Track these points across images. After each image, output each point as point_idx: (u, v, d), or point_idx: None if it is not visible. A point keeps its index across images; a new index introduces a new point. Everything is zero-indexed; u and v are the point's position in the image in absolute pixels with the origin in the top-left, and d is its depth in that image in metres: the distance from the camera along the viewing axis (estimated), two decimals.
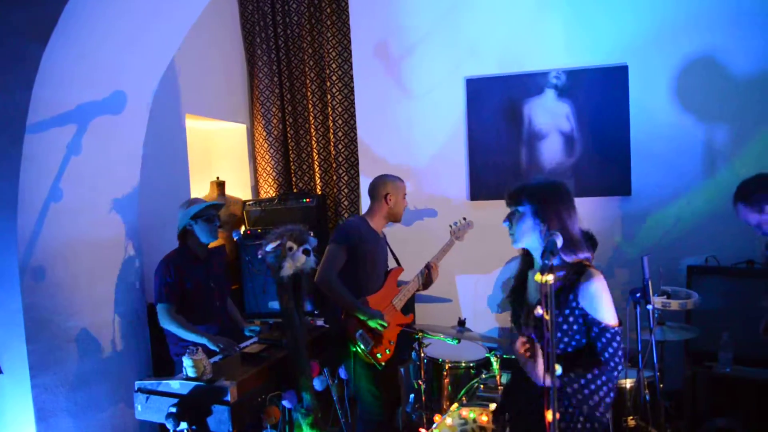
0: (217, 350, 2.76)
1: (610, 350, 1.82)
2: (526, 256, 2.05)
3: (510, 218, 1.96)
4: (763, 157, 3.77)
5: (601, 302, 1.84)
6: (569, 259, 1.89)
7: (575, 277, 1.86)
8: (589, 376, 1.81)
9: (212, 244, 3.13)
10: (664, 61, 3.92)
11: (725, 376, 3.35)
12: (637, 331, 2.49)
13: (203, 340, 2.81)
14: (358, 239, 3.05)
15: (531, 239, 1.94)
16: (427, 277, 3.26)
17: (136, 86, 3.04)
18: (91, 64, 2.72)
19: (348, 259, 3.03)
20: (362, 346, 2.95)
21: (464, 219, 3.57)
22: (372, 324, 2.95)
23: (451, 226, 3.51)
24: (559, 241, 1.80)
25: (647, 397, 2.61)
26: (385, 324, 2.96)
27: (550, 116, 4.14)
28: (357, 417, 3.19)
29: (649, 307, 2.49)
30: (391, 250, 3.37)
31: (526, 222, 1.92)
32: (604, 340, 1.83)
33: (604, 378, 1.82)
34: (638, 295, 2.45)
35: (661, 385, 2.72)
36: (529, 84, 4.17)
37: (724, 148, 3.87)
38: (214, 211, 3.04)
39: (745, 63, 3.79)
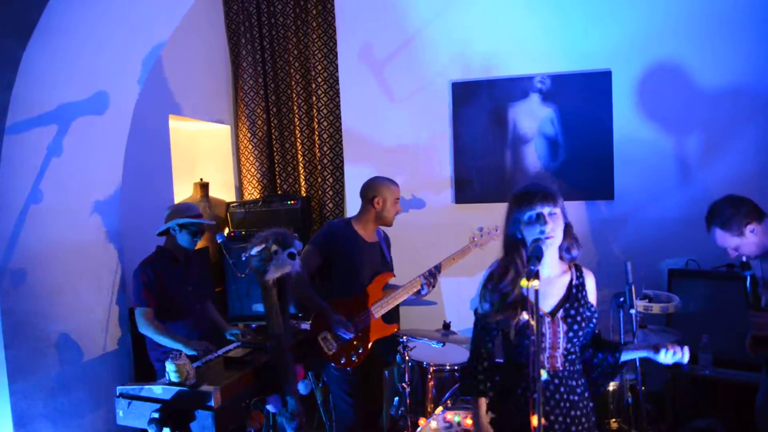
0: (195, 355, 2.74)
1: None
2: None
3: (548, 220, 1.88)
4: (740, 162, 3.84)
5: (595, 294, 2.03)
6: (575, 253, 1.98)
7: (579, 273, 2.01)
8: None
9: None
10: (647, 67, 3.98)
11: (705, 378, 3.42)
12: (621, 335, 2.52)
13: (179, 346, 2.80)
14: (333, 243, 2.99)
15: (560, 240, 1.94)
16: (430, 284, 3.05)
17: (119, 87, 3.00)
18: (73, 64, 2.68)
19: (323, 262, 2.99)
20: (324, 350, 2.86)
21: (496, 227, 3.16)
22: (334, 328, 2.86)
23: (474, 232, 3.22)
24: (556, 244, 1.92)
25: (629, 399, 2.64)
26: (348, 331, 2.84)
27: (534, 120, 4.18)
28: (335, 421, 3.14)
29: (632, 311, 2.53)
30: (385, 255, 3.20)
31: (560, 221, 1.92)
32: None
33: None
34: (621, 299, 2.49)
35: (643, 388, 2.76)
36: (514, 88, 4.19)
37: (704, 153, 3.93)
38: (202, 228, 3.07)
39: (725, 71, 3.85)
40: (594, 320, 2.00)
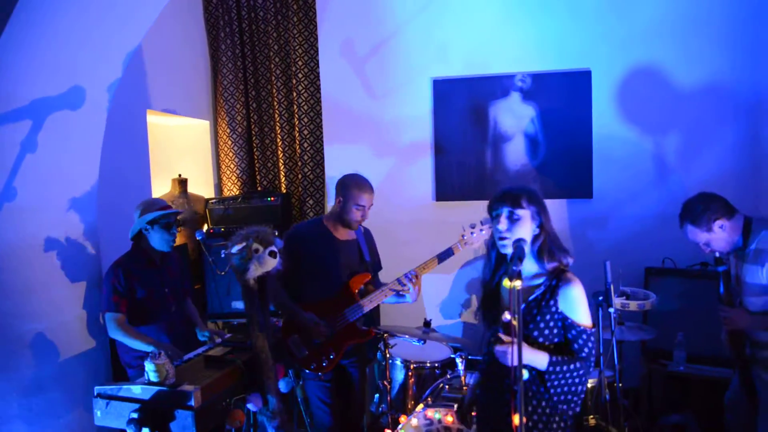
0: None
1: (586, 350, 1.91)
2: (499, 260, 2.04)
3: (502, 220, 1.90)
4: (718, 161, 3.91)
5: (579, 306, 1.92)
6: (550, 266, 1.94)
7: (555, 282, 1.93)
8: (573, 366, 1.88)
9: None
10: (626, 67, 4.03)
11: (679, 374, 3.49)
12: (599, 333, 2.56)
13: (150, 349, 2.74)
14: (299, 244, 2.87)
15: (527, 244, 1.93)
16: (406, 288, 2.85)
17: (95, 81, 2.94)
18: (48, 58, 2.61)
19: (291, 264, 2.83)
20: (295, 353, 2.77)
21: (481, 222, 2.98)
22: (308, 327, 2.77)
23: (466, 229, 3.00)
24: (528, 248, 1.91)
25: (607, 396, 2.68)
26: (320, 332, 2.76)
27: (515, 119, 4.20)
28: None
29: (611, 310, 2.57)
30: (364, 253, 3.04)
31: (526, 225, 1.91)
32: (581, 341, 1.91)
33: (582, 372, 1.90)
34: (601, 298, 2.53)
35: (620, 384, 2.80)
36: (495, 86, 4.22)
37: (681, 153, 4.01)
38: (173, 218, 2.92)
39: (703, 72, 3.92)
40: (572, 334, 1.90)
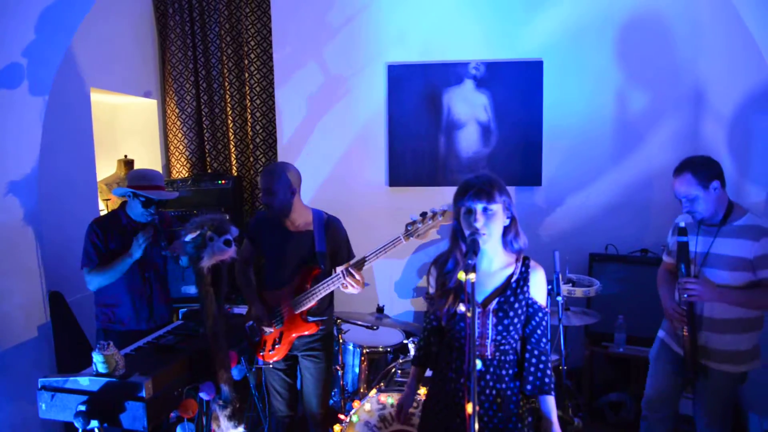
0: (140, 242, 2.77)
1: (543, 330, 2.02)
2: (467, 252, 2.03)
3: (479, 216, 1.88)
4: (662, 153, 4.06)
5: (544, 290, 2.02)
6: (518, 246, 1.98)
7: (525, 268, 1.99)
8: (543, 357, 2.00)
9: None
10: (575, 59, 4.12)
11: (619, 355, 3.67)
12: (548, 320, 2.64)
13: (128, 260, 2.80)
14: (258, 233, 2.92)
15: (499, 235, 1.96)
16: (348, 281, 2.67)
17: (35, 58, 2.79)
18: None
19: (255, 252, 2.96)
20: (248, 339, 2.82)
21: (442, 210, 2.50)
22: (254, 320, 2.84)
23: (412, 218, 2.58)
24: (498, 239, 1.94)
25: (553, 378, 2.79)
26: (263, 325, 2.81)
27: (468, 106, 4.24)
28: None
29: (559, 298, 2.66)
30: (316, 245, 2.85)
31: (499, 218, 1.91)
32: (544, 323, 2.01)
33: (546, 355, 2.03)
34: (549, 287, 2.61)
35: (564, 367, 2.92)
36: (450, 73, 4.24)
37: (625, 144, 4.15)
38: (152, 201, 2.89)
39: (652, 64, 4.05)
40: (537, 318, 1.99)
